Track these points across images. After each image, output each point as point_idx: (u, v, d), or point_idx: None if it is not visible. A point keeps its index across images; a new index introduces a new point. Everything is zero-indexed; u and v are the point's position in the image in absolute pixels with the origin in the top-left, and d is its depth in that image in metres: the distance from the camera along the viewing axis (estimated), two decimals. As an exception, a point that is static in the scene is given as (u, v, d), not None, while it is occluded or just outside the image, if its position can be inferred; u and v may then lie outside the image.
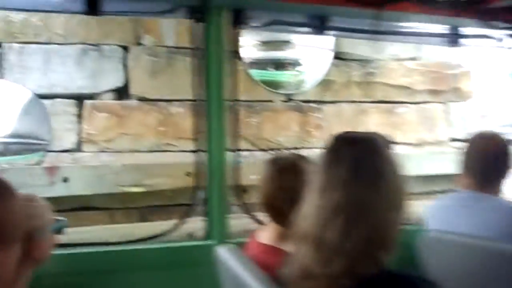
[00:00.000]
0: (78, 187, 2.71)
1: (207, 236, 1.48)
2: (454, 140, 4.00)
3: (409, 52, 4.02)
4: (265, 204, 1.19)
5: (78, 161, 2.94)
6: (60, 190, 2.61)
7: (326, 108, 3.69)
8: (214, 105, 1.44)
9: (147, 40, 3.26)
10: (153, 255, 1.47)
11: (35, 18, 3.08)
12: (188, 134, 3.26)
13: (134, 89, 3.19)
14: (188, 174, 2.98)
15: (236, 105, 1.62)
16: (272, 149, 3.46)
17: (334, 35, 1.65)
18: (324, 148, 0.73)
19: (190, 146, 3.24)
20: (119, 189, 2.84)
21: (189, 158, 3.21)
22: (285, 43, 3.74)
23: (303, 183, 0.75)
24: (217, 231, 1.46)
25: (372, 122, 3.77)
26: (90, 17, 3.13)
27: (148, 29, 3.27)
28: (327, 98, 3.69)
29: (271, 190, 1.16)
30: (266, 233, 1.18)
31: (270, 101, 3.54)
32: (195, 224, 1.65)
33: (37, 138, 2.44)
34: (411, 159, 3.63)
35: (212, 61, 1.40)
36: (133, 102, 3.18)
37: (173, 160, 3.14)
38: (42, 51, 3.06)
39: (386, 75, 3.89)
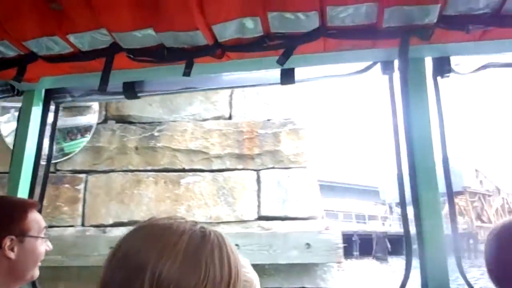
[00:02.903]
0: None
1: None
2: (263, 218, 3.05)
3: (218, 111, 3.37)
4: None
5: None
6: None
7: (94, 179, 3.21)
8: (423, 170, 1.29)
9: None
10: None
11: None
12: None
13: None
14: None
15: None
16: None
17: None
18: None
19: None
20: None
21: None
22: (85, 108, 3.51)
23: None
24: None
25: (149, 195, 3.14)
26: None
27: None
28: (98, 167, 3.23)
29: None
30: None
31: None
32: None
33: None
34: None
35: (416, 114, 1.32)
36: None
37: None
38: None
39: (174, 138, 3.28)
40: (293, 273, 2.86)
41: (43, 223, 1.16)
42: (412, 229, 1.31)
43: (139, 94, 1.54)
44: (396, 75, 1.35)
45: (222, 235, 0.65)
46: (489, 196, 49.80)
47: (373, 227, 36.88)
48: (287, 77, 1.37)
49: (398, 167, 1.35)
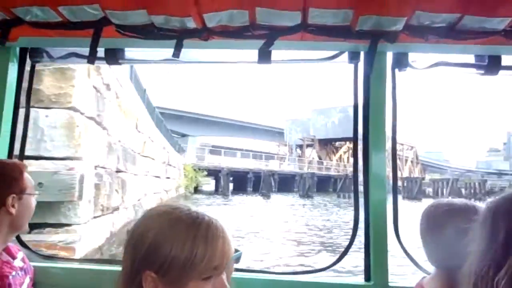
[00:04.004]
0: None
1: (367, 277, 1.50)
2: (15, 157, 3.06)
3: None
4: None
5: None
6: None
7: None
8: (375, 143, 1.51)
9: None
10: None
11: None
12: None
13: None
14: None
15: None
16: None
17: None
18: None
19: None
20: None
21: None
22: None
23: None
24: (377, 273, 1.47)
25: None
26: None
27: None
28: None
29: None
30: (434, 280, 1.14)
31: None
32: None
33: None
34: None
35: (374, 101, 1.51)
36: None
37: None
38: None
39: None
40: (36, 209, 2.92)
41: (33, 182, 1.29)
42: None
43: (120, 61, 1.56)
44: (361, 64, 1.52)
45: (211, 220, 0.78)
46: (379, 143, 55.68)
47: (271, 166, 39.27)
48: (264, 57, 1.46)
49: (354, 132, 1.57)
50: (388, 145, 1.55)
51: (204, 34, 1.31)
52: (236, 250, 0.94)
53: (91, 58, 1.39)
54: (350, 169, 49.26)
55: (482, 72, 1.47)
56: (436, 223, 1.11)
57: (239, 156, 40.95)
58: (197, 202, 20.14)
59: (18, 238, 1.60)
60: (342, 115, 51.89)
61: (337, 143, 54.74)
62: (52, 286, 1.47)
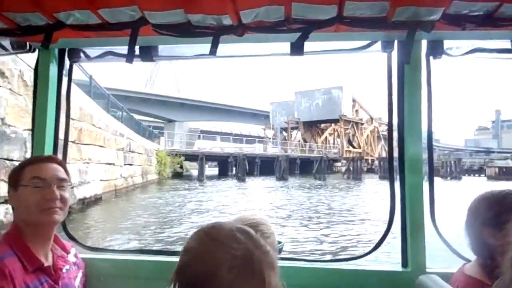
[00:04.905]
0: None
1: (404, 263, 1.52)
2: None
3: None
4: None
5: None
6: None
7: None
8: (411, 129, 1.52)
9: None
10: (346, 275, 1.56)
11: None
12: None
13: None
14: None
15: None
16: None
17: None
18: None
19: None
20: None
21: None
22: None
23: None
24: (415, 259, 1.49)
25: None
26: None
27: None
28: None
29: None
30: (475, 268, 1.17)
31: None
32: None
33: None
34: None
35: (409, 88, 1.51)
36: None
37: None
38: None
39: None
40: None
41: (42, 174, 1.22)
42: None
43: (154, 58, 1.59)
44: (394, 52, 1.52)
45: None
46: (362, 124, 55.88)
47: (256, 150, 39.32)
48: (297, 49, 1.44)
49: (389, 119, 1.64)
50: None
51: (239, 30, 1.32)
52: (279, 242, 0.98)
53: (129, 57, 1.44)
54: (333, 151, 49.74)
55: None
56: (473, 214, 1.17)
57: (219, 140, 40.99)
58: (161, 188, 20.23)
59: (66, 231, 1.69)
60: (325, 97, 51.86)
61: (322, 125, 54.82)
62: (100, 276, 1.53)
